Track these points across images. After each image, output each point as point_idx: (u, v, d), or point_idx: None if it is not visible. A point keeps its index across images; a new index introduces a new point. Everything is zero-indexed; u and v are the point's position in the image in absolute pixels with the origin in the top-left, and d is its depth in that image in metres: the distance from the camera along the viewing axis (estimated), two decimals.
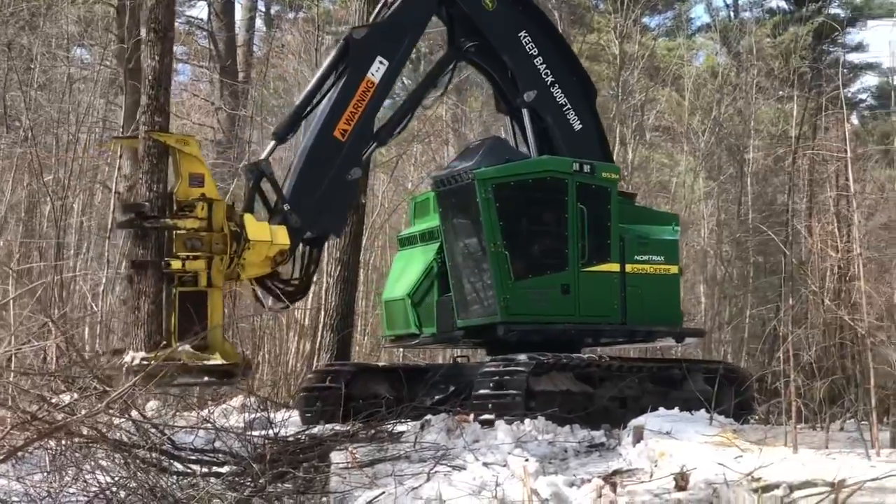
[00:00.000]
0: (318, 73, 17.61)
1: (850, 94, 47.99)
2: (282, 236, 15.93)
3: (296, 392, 20.83)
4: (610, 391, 17.43)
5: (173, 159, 15.31)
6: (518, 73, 18.93)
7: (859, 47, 51.20)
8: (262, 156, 16.97)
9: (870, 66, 51.51)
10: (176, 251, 15.08)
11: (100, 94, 29.11)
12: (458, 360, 20.90)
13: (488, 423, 15.80)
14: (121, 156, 25.07)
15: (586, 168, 18.29)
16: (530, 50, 18.90)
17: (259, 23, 43.66)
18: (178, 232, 15.11)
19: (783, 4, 49.99)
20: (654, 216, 20.31)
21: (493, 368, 16.90)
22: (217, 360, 14.91)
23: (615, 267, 18.39)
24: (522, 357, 16.73)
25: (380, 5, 18.47)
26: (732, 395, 17.77)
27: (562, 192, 18.04)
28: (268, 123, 34.23)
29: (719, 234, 34.90)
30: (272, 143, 17.15)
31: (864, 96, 52.79)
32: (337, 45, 17.94)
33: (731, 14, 49.64)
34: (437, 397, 18.33)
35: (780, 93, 38.39)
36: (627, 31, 35.04)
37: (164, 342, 14.73)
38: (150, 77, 15.31)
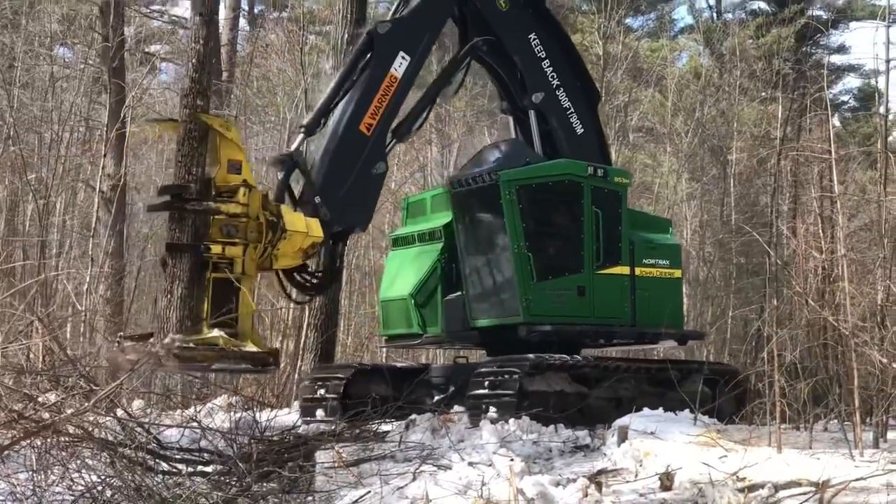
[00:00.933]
0: (343, 67, 17.71)
1: (832, 96, 48.14)
2: (316, 228, 16.04)
3: (299, 392, 20.86)
4: (605, 392, 17.57)
5: (212, 144, 15.24)
6: (527, 75, 19.11)
7: (841, 49, 51.41)
8: (292, 148, 17.03)
9: (852, 68, 51.75)
10: (212, 236, 15.03)
11: (83, 93, 29.05)
12: (458, 360, 20.97)
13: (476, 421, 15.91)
14: (105, 154, 25.05)
15: (599, 172, 18.49)
16: (539, 52, 19.10)
17: (242, 22, 43.66)
18: (216, 217, 15.07)
19: (765, 6, 50.19)
20: (649, 221, 20.49)
21: (488, 369, 17.00)
22: (253, 347, 14.95)
23: (625, 270, 18.64)
24: (519, 357, 16.85)
25: (397, 2, 18.64)
26: (730, 397, 17.93)
27: (578, 195, 18.25)
28: (252, 122, 34.24)
29: (702, 235, 34.95)
30: (300, 136, 17.19)
31: (846, 98, 53.01)
32: (347, 42, 18.03)
33: (714, 16, 49.76)
34: (437, 397, 18.47)
35: (763, 94, 38.49)
36: (611, 32, 35.08)
37: (195, 327, 14.69)
38: (193, 60, 15.23)
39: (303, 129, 17.28)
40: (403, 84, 17.56)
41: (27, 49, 28.21)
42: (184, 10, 41.41)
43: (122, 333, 17.55)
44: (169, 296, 14.84)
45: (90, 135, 29.44)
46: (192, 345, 14.24)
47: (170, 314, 14.74)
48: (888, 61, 27.48)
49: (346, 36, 22.16)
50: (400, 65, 17.45)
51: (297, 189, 16.90)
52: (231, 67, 36.62)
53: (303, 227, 15.84)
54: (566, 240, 18.39)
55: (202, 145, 15.08)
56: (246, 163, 15.50)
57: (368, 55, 17.50)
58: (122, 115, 25.26)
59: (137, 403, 16.77)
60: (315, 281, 17.06)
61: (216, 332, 14.53)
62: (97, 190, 25.19)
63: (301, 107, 29.50)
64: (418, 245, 19.49)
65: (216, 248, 14.93)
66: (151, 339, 14.87)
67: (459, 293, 18.48)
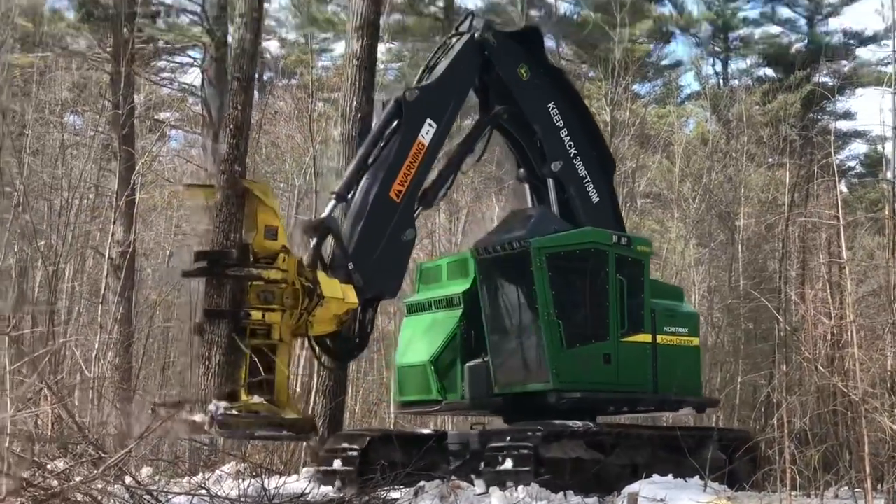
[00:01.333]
0: (372, 133, 17.84)
1: (839, 162, 48.26)
2: (351, 295, 16.04)
3: (316, 457, 20.79)
4: (621, 459, 17.56)
5: (249, 209, 15.24)
6: (546, 143, 19.24)
7: (848, 115, 51.66)
8: (324, 214, 17.04)
9: (858, 134, 51.89)
10: (250, 303, 14.98)
11: (93, 160, 29.19)
12: (475, 427, 20.91)
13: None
14: (114, 221, 25.16)
15: (623, 241, 18.61)
16: (557, 121, 19.25)
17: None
18: (254, 283, 15.03)
19: (772, 73, 50.47)
20: (662, 288, 20.53)
21: (505, 436, 17.00)
22: (292, 414, 14.93)
23: (647, 338, 18.73)
24: (536, 424, 16.86)
25: (422, 69, 18.86)
26: (744, 462, 17.93)
27: (603, 263, 18.37)
28: None
29: (710, 300, 34.90)
30: (332, 202, 17.20)
31: (853, 164, 53.10)
32: (386, 105, 18.10)
33: (721, 82, 50.05)
34: (454, 464, 18.44)
35: (771, 160, 38.59)
36: (618, 98, 35.24)
37: (234, 394, 14.61)
38: (231, 126, 15.23)
39: (334, 196, 17.31)
40: (431, 151, 17.67)
41: (38, 116, 28.40)
42: (193, 77, 41.67)
43: (155, 400, 17.53)
44: (207, 362, 14.76)
45: (99, 201, 29.57)
46: (235, 412, 14.21)
47: (207, 381, 14.66)
48: (895, 127, 27.51)
49: (355, 103, 22.23)
50: (427, 132, 17.57)
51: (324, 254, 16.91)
52: None
53: (339, 293, 15.83)
54: (593, 307, 18.47)
55: (240, 211, 15.09)
56: (282, 228, 15.52)
57: (396, 122, 17.61)
58: (131, 182, 25.39)
59: (146, 471, 16.73)
60: (347, 347, 17.07)
61: (257, 399, 14.50)
62: (106, 256, 25.26)
63: (310, 173, 29.64)
64: (434, 311, 19.49)
65: (256, 315, 14.89)
66: (187, 406, 14.81)
67: (482, 359, 18.49)
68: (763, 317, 31.90)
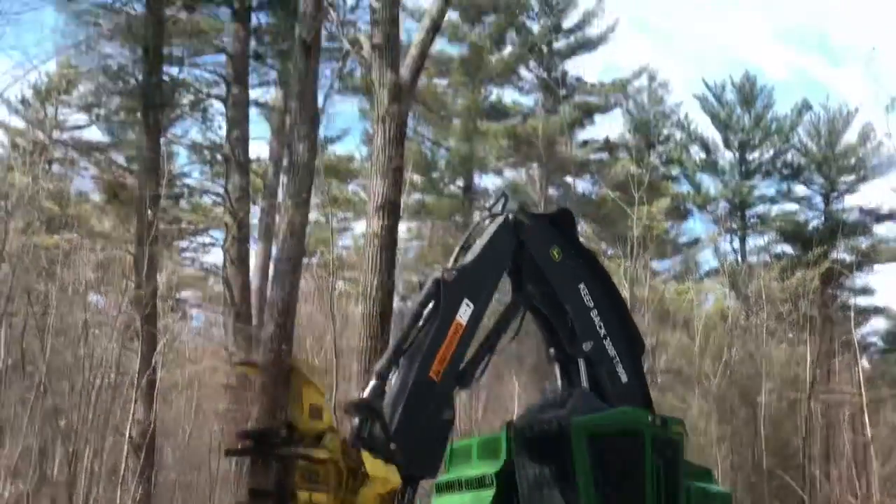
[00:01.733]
0: (412, 311, 17.81)
1: (859, 337, 48.26)
2: (395, 474, 15.90)
3: None
4: None
5: (295, 388, 15.23)
6: (577, 324, 19.17)
7: (867, 291, 51.75)
8: (366, 394, 16.99)
9: (878, 310, 51.95)
10: (296, 483, 14.90)
11: (115, 340, 29.35)
12: None
13: None
14: (135, 401, 25.19)
15: (659, 422, 18.51)
16: (587, 302, 19.24)
17: (272, 269, 44.17)
18: (300, 463, 14.96)
19: (789, 250, 50.81)
20: (692, 470, 20.40)
21: None
22: None
23: None
24: None
25: (458, 248, 18.93)
26: None
27: (640, 444, 18.17)
28: None
29: (734, 478, 34.58)
30: (374, 381, 17.14)
31: (873, 339, 53.05)
32: (425, 285, 18.17)
33: (739, 259, 50.32)
34: None
35: (790, 335, 38.62)
36: (637, 275, 35.44)
37: None
38: (278, 306, 15.37)
39: (375, 376, 17.27)
40: (469, 331, 17.60)
41: (61, 297, 28.65)
42: (215, 257, 42.13)
43: None
44: None
45: (121, 380, 29.64)
46: None
47: None
48: None
49: (376, 282, 22.34)
50: (465, 312, 17.53)
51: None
52: (261, 314, 36.96)
53: (383, 473, 15.71)
54: (631, 488, 18.27)
55: (286, 390, 15.10)
56: (327, 407, 15.50)
57: (433, 302, 17.64)
58: (152, 362, 25.50)
59: None
60: None
61: None
62: (127, 436, 25.24)
63: (330, 353, 29.72)
64: (465, 491, 19.27)
65: (303, 495, 14.80)
66: None
67: None
68: (787, 493, 31.60)
